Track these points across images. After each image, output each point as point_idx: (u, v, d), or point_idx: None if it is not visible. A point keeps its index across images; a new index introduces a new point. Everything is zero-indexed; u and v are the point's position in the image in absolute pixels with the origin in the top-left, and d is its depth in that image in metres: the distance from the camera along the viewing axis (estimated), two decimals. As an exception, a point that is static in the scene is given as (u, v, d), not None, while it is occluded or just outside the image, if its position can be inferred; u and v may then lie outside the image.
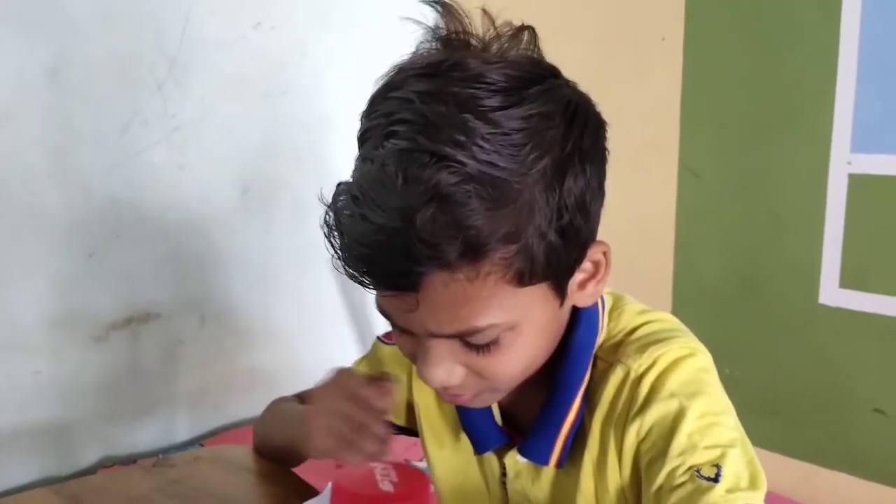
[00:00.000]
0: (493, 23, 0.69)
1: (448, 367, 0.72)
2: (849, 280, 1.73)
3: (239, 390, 2.07)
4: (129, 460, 1.88)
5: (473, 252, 0.64)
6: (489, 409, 0.86)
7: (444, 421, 0.93)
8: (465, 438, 0.89)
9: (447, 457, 0.93)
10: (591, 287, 0.76)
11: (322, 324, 2.21)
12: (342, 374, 0.86)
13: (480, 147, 0.63)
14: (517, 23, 0.71)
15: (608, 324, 0.83)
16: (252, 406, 2.02)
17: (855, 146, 1.69)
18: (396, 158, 0.64)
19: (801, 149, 1.77)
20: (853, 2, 1.66)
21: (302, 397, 1.14)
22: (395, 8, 2.54)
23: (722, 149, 1.88)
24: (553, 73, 0.71)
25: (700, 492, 0.68)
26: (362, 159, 0.69)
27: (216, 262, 2.02)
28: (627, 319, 0.83)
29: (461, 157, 0.62)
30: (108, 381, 1.87)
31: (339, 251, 0.68)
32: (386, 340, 1.01)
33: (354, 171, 0.70)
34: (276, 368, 2.10)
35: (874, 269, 1.70)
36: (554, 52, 0.73)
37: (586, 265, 0.74)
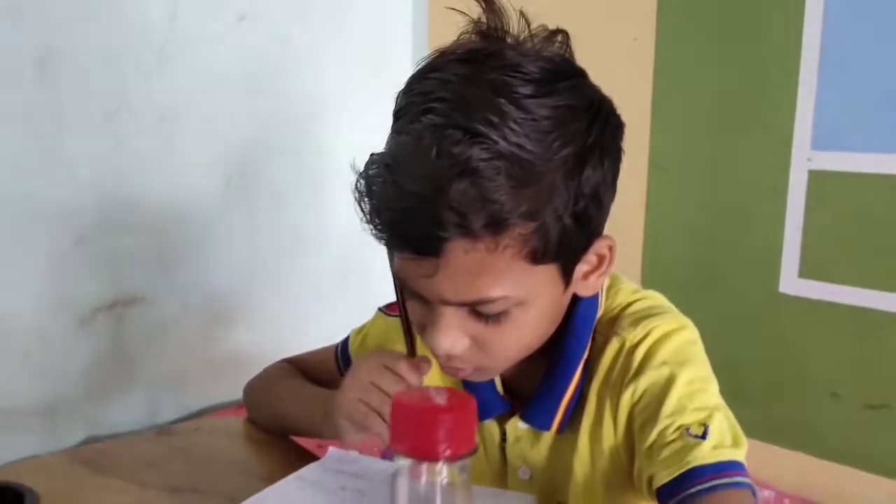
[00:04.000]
0: (528, 24, 0.75)
1: (455, 337, 0.77)
2: (808, 270, 1.81)
3: (221, 374, 2.11)
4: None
5: (496, 224, 0.69)
6: (492, 378, 0.92)
7: (446, 390, 1.00)
8: (466, 409, 0.96)
9: (448, 425, 1.00)
10: (593, 279, 0.82)
11: (301, 309, 2.25)
12: (378, 352, 0.91)
13: (511, 129, 0.68)
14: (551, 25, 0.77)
15: (606, 301, 0.89)
16: (234, 389, 2.05)
17: (815, 144, 1.78)
18: (431, 132, 0.69)
19: (764, 146, 1.85)
20: (815, 8, 1.75)
21: (293, 362, 1.19)
22: (378, 1, 2.58)
23: (690, 145, 1.96)
24: (581, 73, 0.77)
25: (689, 448, 0.75)
26: (397, 132, 0.74)
27: (200, 249, 2.06)
28: (623, 297, 0.90)
29: (493, 135, 0.67)
30: (95, 363, 1.90)
31: (367, 215, 0.73)
32: (389, 312, 1.06)
33: (387, 144, 0.75)
34: (257, 353, 2.13)
35: (831, 260, 1.79)
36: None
37: (591, 258, 0.80)
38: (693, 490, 0.72)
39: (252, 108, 2.12)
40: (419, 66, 0.76)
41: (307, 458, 1.02)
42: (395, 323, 1.00)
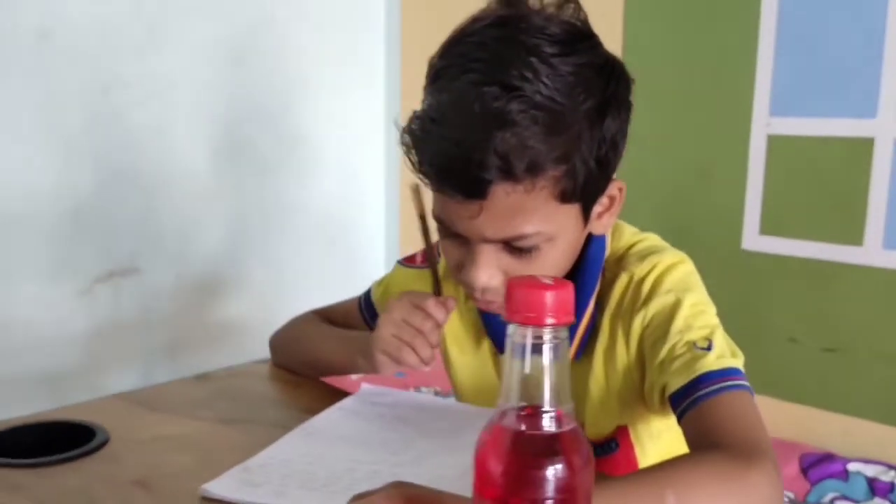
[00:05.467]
0: None
1: (491, 272, 0.88)
2: (767, 227, 1.95)
3: (214, 341, 2.19)
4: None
5: (534, 168, 0.80)
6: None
7: (465, 330, 1.09)
8: (484, 343, 1.06)
9: (467, 360, 1.10)
10: (605, 218, 0.94)
11: (288, 278, 2.34)
12: (408, 293, 1.01)
13: (544, 84, 0.79)
14: None
15: (611, 243, 1.01)
16: (228, 356, 2.15)
17: (773, 110, 1.91)
18: (473, 89, 0.79)
19: (726, 112, 1.98)
20: (773, -17, 1.89)
21: (319, 313, 1.26)
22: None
23: (656, 111, 2.07)
24: (596, 36, 0.88)
25: (697, 358, 0.86)
26: (437, 91, 0.84)
27: (190, 220, 2.13)
28: (627, 239, 1.01)
29: (528, 90, 0.78)
30: (95, 332, 1.97)
31: (416, 166, 0.84)
32: (407, 264, 1.16)
33: (429, 102, 0.85)
34: (247, 320, 2.23)
35: (789, 217, 1.93)
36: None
37: (604, 199, 0.91)
38: (703, 392, 0.84)
39: (240, 79, 2.20)
40: (453, 33, 0.86)
41: (340, 394, 1.12)
42: (413, 272, 1.14)
